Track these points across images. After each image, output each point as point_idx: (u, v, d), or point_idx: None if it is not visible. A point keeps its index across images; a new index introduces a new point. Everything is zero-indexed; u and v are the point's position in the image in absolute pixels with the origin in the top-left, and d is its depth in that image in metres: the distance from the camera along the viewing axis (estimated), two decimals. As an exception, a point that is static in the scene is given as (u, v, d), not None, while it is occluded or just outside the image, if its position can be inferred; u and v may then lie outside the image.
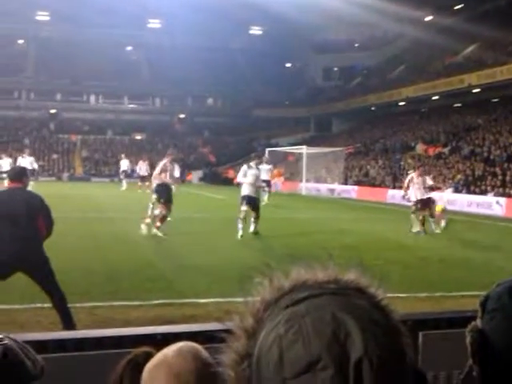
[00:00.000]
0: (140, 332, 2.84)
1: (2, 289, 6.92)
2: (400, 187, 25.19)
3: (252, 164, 15.34)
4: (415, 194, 17.07)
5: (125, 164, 39.58)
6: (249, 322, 0.74)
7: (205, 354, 1.59)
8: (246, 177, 15.11)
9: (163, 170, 14.92)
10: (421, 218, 16.85)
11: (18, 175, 6.78)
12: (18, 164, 32.04)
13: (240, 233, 14.61)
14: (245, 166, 15.37)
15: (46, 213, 6.56)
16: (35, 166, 32.24)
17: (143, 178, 33.92)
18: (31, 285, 6.54)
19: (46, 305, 6.85)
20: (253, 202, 15.09)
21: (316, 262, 0.66)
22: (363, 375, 0.65)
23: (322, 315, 0.69)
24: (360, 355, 0.65)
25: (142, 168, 35.74)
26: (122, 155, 42.37)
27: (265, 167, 23.95)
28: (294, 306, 0.71)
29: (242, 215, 14.84)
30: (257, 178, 15.21)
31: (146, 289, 8.70)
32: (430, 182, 17.47)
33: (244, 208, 14.88)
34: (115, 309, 7.64)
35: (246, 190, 15.06)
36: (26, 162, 32.26)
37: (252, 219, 15.26)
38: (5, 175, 33.42)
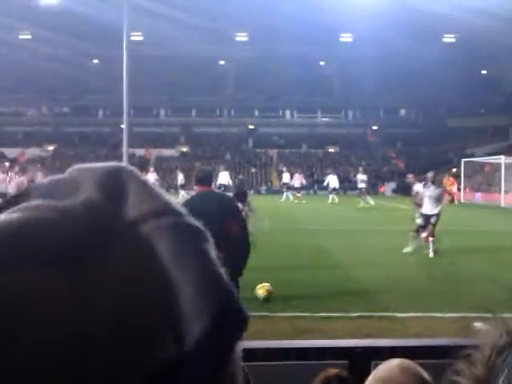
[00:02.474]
0: (341, 344, 2.96)
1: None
2: None
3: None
4: None
5: (286, 177, 41.61)
6: (479, 371, 0.69)
7: (425, 373, 1.69)
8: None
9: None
10: None
11: (206, 179, 6.85)
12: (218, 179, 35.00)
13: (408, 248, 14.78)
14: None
15: (239, 214, 6.64)
16: (230, 181, 35.04)
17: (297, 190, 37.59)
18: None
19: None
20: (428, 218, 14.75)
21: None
22: None
23: None
24: None
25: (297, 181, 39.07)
26: (284, 168, 44.74)
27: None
28: None
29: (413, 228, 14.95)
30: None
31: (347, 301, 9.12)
32: None
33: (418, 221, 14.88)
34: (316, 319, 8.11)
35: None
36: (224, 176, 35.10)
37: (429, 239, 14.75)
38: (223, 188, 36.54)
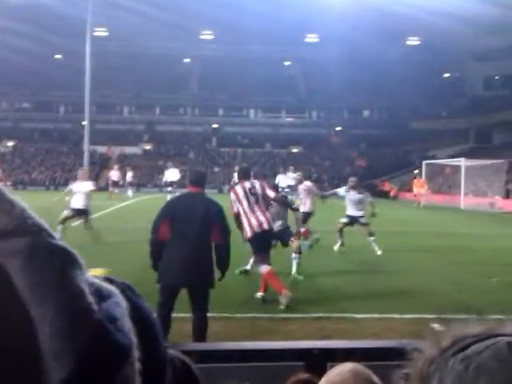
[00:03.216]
0: (298, 346, 2.90)
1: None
2: None
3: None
4: None
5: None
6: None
7: (377, 379, 1.69)
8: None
9: None
10: None
11: (201, 180, 6.89)
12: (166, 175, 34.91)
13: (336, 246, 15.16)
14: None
15: (223, 222, 6.52)
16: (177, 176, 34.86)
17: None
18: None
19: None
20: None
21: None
22: None
23: (500, 350, 0.67)
24: None
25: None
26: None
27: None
28: (462, 352, 0.70)
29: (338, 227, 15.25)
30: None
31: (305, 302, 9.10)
32: None
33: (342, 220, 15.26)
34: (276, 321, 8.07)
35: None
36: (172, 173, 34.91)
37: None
38: (169, 187, 36.21)
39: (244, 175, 9.48)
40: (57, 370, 0.34)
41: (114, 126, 63.80)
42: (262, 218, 9.05)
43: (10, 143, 60.67)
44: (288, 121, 68.39)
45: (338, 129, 68.20)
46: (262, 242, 9.10)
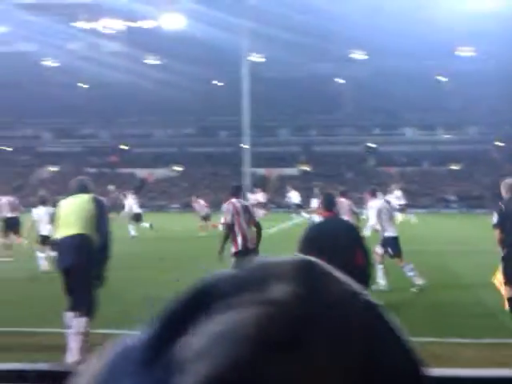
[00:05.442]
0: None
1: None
2: None
3: None
4: None
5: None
6: None
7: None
8: None
9: None
10: None
11: (333, 204, 6.85)
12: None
13: None
14: None
15: (363, 244, 6.43)
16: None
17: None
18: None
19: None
20: None
21: None
22: None
23: None
24: None
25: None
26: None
27: None
28: None
29: None
30: None
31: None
32: None
33: None
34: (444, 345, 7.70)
35: None
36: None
37: None
38: (293, 208, 36.63)
39: (238, 192, 10.26)
40: None
41: (272, 149, 65.64)
42: (250, 236, 9.68)
43: (178, 168, 64.36)
44: (445, 138, 66.85)
45: (499, 144, 65.52)
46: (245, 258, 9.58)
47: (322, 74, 65.60)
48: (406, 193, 57.69)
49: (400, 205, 34.98)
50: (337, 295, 0.47)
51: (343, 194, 15.98)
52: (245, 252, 9.47)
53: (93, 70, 59.25)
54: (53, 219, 15.24)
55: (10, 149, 70.00)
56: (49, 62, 63.96)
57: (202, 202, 29.75)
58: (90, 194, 7.72)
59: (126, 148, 69.77)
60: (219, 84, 67.37)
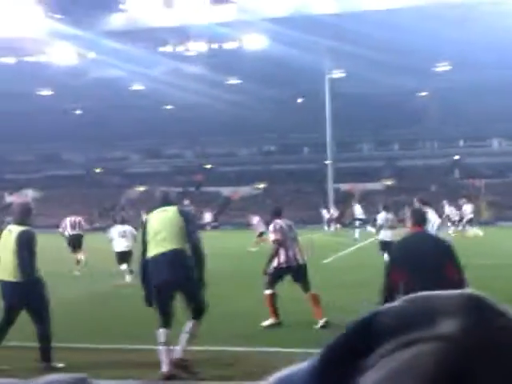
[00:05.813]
0: None
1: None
2: None
3: None
4: None
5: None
6: None
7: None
8: None
9: None
10: None
11: (422, 219, 6.73)
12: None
13: None
14: None
15: (454, 257, 6.19)
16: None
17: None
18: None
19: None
20: None
21: None
22: None
23: None
24: None
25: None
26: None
27: None
28: None
29: None
30: None
31: None
32: None
33: None
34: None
35: None
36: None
37: None
38: (358, 222, 36.07)
39: (278, 213, 11.12)
40: None
41: (355, 164, 65.60)
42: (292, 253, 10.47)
43: (261, 185, 65.26)
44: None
45: None
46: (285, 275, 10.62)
47: (405, 88, 65.07)
48: (493, 205, 56.81)
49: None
50: (504, 327, 0.47)
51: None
52: (288, 268, 10.48)
53: (177, 93, 61.09)
54: (133, 236, 16.46)
55: (101, 170, 72.96)
56: (136, 87, 66.40)
57: (258, 218, 30.80)
58: (175, 207, 8.03)
59: (210, 167, 71.30)
60: (300, 101, 68.00)
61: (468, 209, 35.52)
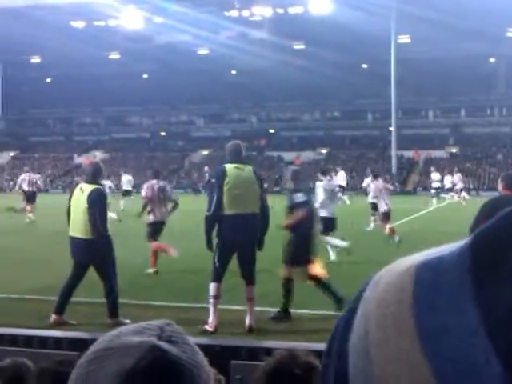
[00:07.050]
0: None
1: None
2: None
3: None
4: None
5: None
6: None
7: None
8: None
9: None
10: None
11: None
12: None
13: None
14: None
15: None
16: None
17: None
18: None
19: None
20: None
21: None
22: None
23: None
24: None
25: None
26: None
27: None
28: None
29: None
30: None
31: None
32: None
33: None
34: None
35: None
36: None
37: None
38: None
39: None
40: None
41: (420, 131, 64.78)
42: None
43: (324, 150, 65.26)
44: None
45: None
46: None
47: (473, 54, 63.44)
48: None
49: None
50: None
51: (375, 177, 18.26)
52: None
53: (242, 57, 61.36)
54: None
55: (165, 134, 74.16)
56: (201, 51, 66.97)
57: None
58: (250, 167, 8.09)
59: (274, 132, 71.54)
60: (365, 66, 67.30)
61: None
